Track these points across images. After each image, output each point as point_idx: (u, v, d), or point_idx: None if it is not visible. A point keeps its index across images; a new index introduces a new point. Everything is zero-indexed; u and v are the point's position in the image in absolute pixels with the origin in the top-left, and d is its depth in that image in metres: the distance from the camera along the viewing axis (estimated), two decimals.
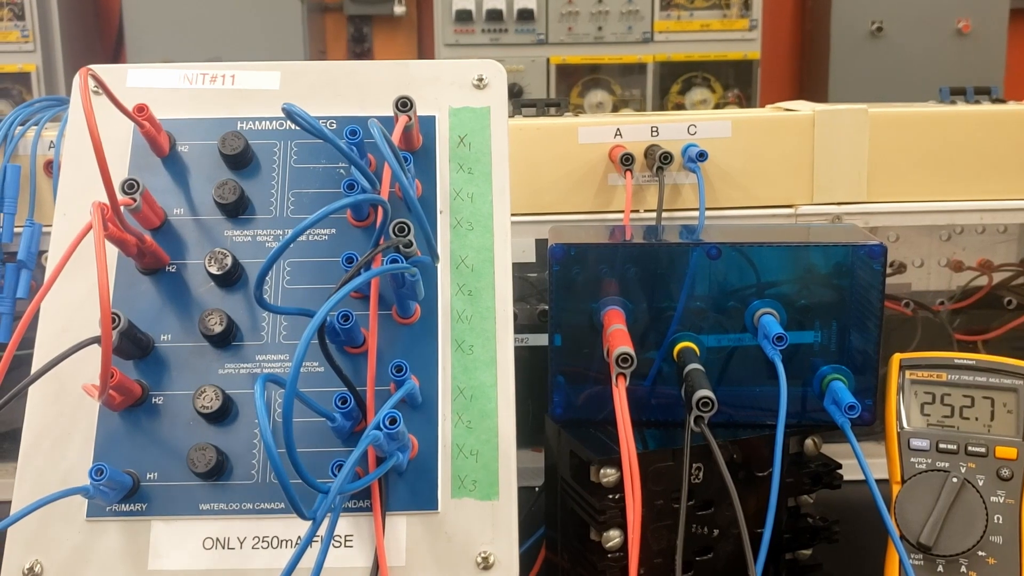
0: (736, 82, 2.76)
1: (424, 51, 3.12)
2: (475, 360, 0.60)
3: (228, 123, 0.65)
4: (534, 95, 2.65)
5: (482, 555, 0.56)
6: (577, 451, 0.65)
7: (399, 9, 2.96)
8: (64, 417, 0.58)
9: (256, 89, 0.66)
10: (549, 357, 0.66)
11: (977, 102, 0.95)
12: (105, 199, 0.54)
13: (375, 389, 0.57)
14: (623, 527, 0.62)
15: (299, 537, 0.56)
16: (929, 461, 0.63)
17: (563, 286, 0.65)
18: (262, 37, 2.67)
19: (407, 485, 0.57)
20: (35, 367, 0.57)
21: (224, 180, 0.62)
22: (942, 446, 0.64)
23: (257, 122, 0.65)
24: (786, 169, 0.83)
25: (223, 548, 0.56)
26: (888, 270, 0.65)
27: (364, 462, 0.55)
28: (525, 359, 0.77)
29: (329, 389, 0.57)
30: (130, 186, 0.58)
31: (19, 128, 0.83)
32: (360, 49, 3.09)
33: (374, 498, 0.56)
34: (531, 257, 0.85)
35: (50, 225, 0.64)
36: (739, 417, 0.66)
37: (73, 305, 0.60)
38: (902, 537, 0.61)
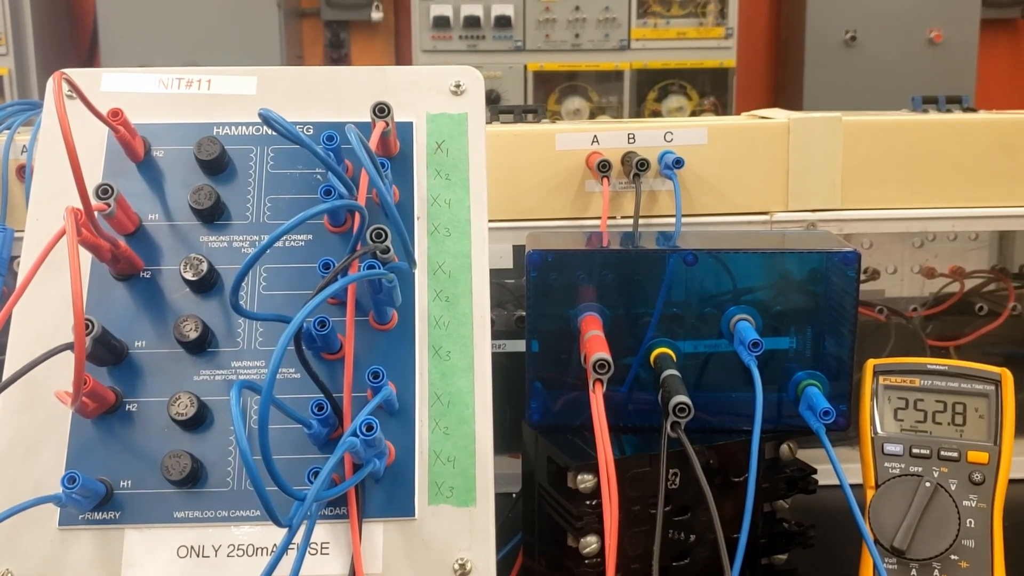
0: (712, 90, 2.78)
1: (401, 57, 3.12)
2: (452, 366, 0.60)
3: (204, 128, 0.64)
4: (511, 102, 2.66)
5: (459, 562, 0.56)
6: (554, 457, 0.65)
7: (376, 15, 2.95)
8: (36, 424, 0.57)
9: (232, 94, 0.66)
10: (526, 363, 0.66)
11: (948, 111, 0.96)
12: (78, 204, 0.53)
13: (352, 395, 0.57)
14: (600, 533, 0.62)
15: (275, 545, 0.55)
16: (902, 466, 0.64)
17: (540, 292, 0.65)
18: (238, 42, 2.66)
19: (384, 492, 0.57)
20: (6, 374, 0.56)
21: (200, 185, 0.61)
22: (915, 451, 0.64)
23: (233, 127, 0.65)
24: (761, 176, 0.84)
25: (198, 556, 0.55)
26: (862, 277, 0.66)
27: (341, 469, 0.55)
28: (502, 365, 0.77)
29: (305, 396, 0.57)
30: (104, 191, 0.58)
31: None
32: (337, 55, 3.09)
33: (351, 505, 0.55)
34: (508, 263, 0.85)
35: (22, 230, 0.63)
36: (715, 422, 0.66)
37: (46, 311, 0.59)
38: (876, 541, 0.62)
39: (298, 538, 0.51)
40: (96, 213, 0.56)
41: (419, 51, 2.69)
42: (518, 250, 0.84)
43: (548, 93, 2.76)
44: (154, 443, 0.57)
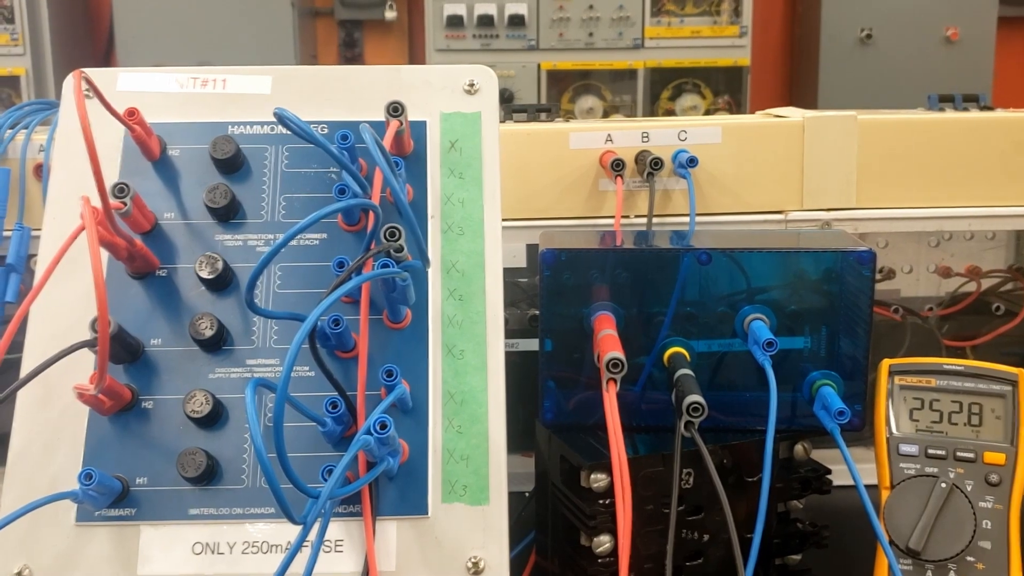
0: (726, 88, 2.77)
1: (415, 56, 3.13)
2: (466, 365, 0.60)
3: (219, 127, 0.65)
4: (525, 100, 2.66)
5: (472, 560, 0.56)
6: (567, 456, 0.65)
7: (390, 14, 2.96)
8: (53, 422, 0.58)
9: (247, 93, 0.66)
10: (540, 362, 0.66)
11: (965, 109, 0.95)
12: (95, 202, 0.53)
13: (366, 394, 0.57)
14: (613, 532, 0.62)
15: (289, 542, 0.56)
16: (918, 466, 0.64)
17: (554, 291, 0.65)
18: (253, 42, 2.67)
19: (397, 490, 0.57)
20: (24, 371, 0.57)
21: (215, 184, 0.62)
22: (931, 451, 0.64)
23: (248, 126, 0.65)
24: (776, 175, 0.84)
25: (212, 553, 0.56)
26: (877, 276, 0.66)
27: (355, 467, 0.55)
28: (516, 364, 0.77)
29: (320, 394, 0.57)
30: (120, 190, 0.58)
31: (8, 132, 0.83)
32: (351, 54, 3.10)
33: (364, 503, 0.55)
34: (522, 262, 0.85)
35: (39, 229, 0.63)
36: (729, 422, 0.66)
37: (62, 310, 0.60)
38: (891, 542, 0.62)
39: (312, 535, 0.51)
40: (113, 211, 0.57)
41: (433, 50, 2.69)
42: (531, 249, 0.84)
43: (562, 92, 2.76)
44: (170, 440, 0.57)
